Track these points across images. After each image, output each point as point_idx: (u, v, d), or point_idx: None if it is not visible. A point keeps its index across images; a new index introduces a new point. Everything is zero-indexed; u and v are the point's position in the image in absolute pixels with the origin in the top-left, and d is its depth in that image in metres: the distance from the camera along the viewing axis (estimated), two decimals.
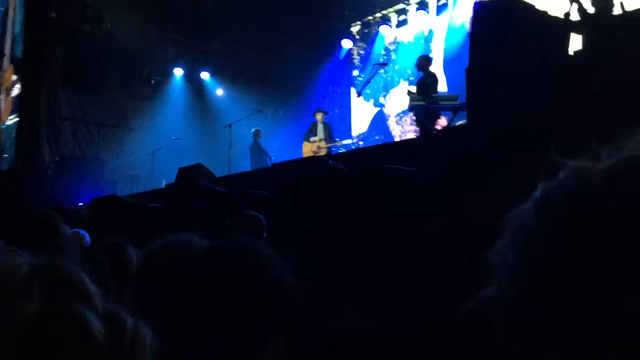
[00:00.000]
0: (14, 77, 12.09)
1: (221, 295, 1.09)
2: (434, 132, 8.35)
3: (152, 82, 14.14)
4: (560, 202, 0.49)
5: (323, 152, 10.80)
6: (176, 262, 1.18)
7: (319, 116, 11.59)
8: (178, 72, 14.39)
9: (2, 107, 12.70)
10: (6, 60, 12.69)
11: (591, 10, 5.91)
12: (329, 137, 11.29)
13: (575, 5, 5.88)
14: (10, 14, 13.34)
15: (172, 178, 7.95)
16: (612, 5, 5.83)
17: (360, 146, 10.45)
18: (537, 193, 0.52)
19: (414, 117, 9.84)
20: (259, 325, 1.09)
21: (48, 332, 0.52)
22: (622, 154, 0.48)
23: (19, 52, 12.53)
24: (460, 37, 12.05)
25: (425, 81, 9.15)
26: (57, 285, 0.57)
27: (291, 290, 1.15)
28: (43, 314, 0.53)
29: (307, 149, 11.16)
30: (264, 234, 4.22)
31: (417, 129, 9.52)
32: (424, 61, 9.46)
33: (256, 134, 11.97)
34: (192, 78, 14.63)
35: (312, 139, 11.37)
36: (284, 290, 1.14)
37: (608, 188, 0.46)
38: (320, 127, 11.40)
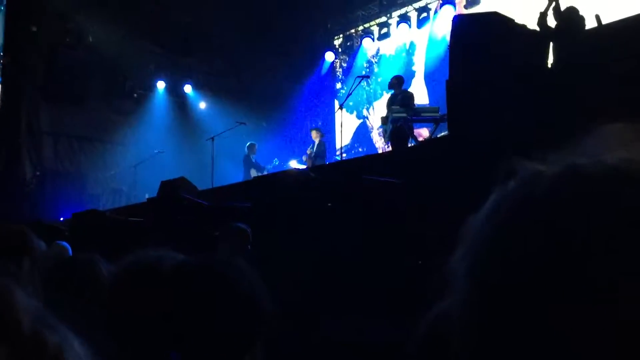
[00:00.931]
0: None
1: (191, 312, 1.08)
2: (412, 143, 8.40)
3: (135, 95, 14.07)
4: (508, 212, 0.48)
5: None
6: (146, 279, 1.18)
7: (312, 135, 11.62)
8: (160, 85, 14.34)
9: None
10: None
11: (553, 23, 6.01)
12: (318, 156, 11.22)
13: (550, 10, 5.99)
14: None
15: (155, 192, 7.91)
16: (581, 19, 5.92)
17: (344, 158, 10.50)
18: (489, 201, 0.51)
19: (383, 132, 9.93)
20: (232, 341, 1.09)
21: None
22: (567, 161, 0.48)
23: None
24: (441, 50, 12.18)
25: (396, 99, 9.21)
26: None
27: (264, 304, 1.15)
28: None
29: None
30: (249, 246, 4.22)
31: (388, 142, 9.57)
32: (395, 80, 9.63)
33: (250, 147, 11.96)
34: (174, 91, 14.58)
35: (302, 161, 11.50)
36: (256, 305, 1.14)
37: (552, 199, 0.46)
38: (316, 145, 11.41)
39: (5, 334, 0.54)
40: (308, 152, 11.29)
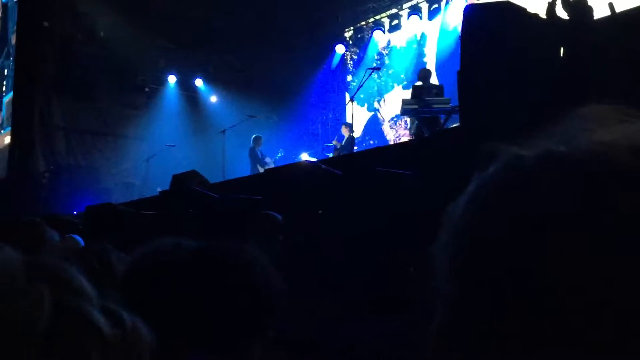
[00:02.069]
0: None
1: (204, 298, 1.09)
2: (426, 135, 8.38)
3: (146, 89, 14.14)
4: (486, 199, 0.47)
5: None
6: (162, 266, 1.18)
7: (342, 130, 11.72)
8: (172, 79, 14.39)
9: None
10: None
11: (562, 13, 5.95)
12: (346, 151, 11.26)
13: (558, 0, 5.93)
14: None
15: (167, 185, 7.95)
16: (590, 9, 5.85)
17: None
18: (469, 187, 0.49)
19: (409, 124, 10.01)
20: (243, 328, 1.09)
21: (61, 331, 0.52)
22: (543, 145, 0.47)
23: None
24: (452, 41, 12.11)
25: (429, 93, 9.23)
26: (54, 282, 0.56)
27: (278, 293, 1.15)
28: (53, 313, 0.52)
29: None
30: (281, 235, 4.22)
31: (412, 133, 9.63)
32: (425, 72, 9.71)
33: (255, 140, 11.99)
34: (185, 85, 14.63)
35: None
36: (269, 293, 1.14)
37: (528, 185, 0.45)
38: (345, 140, 11.48)
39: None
40: (335, 143, 11.39)
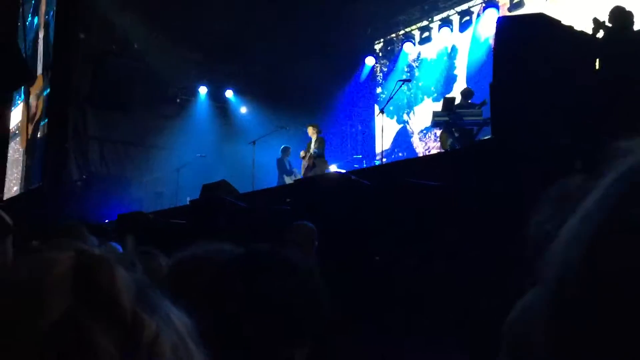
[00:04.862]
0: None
1: (252, 302, 1.07)
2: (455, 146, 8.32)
3: (178, 101, 14.34)
4: (619, 209, 0.41)
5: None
6: (207, 270, 1.17)
7: (309, 131, 11.24)
8: (203, 90, 14.57)
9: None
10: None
11: (609, 25, 5.86)
12: (317, 155, 10.86)
13: (596, 20, 5.86)
14: (40, 34, 13.72)
15: (197, 195, 8.02)
16: (632, 20, 5.75)
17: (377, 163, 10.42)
18: (597, 191, 0.43)
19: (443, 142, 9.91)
20: (286, 336, 1.08)
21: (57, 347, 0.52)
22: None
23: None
24: (483, 53, 12.02)
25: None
26: (88, 281, 0.56)
27: (324, 304, 1.13)
28: (56, 330, 0.52)
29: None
30: (316, 243, 4.23)
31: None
32: (468, 92, 9.65)
33: (284, 150, 11.97)
34: (216, 96, 14.80)
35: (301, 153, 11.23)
36: (316, 303, 1.11)
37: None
38: (313, 142, 11.07)
39: (105, 310, 0.54)
40: (302, 153, 11.03)
